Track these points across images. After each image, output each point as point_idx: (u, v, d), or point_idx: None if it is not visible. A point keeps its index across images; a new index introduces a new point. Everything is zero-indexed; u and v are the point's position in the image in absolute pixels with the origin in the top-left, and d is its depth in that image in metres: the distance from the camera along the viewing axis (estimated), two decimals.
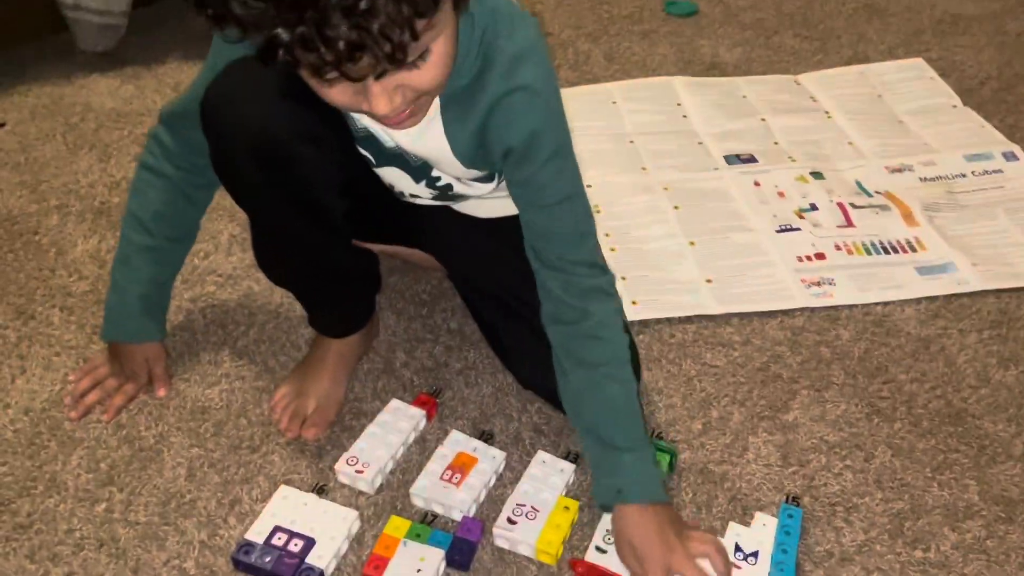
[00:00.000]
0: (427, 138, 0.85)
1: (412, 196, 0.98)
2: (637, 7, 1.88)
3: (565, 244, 0.88)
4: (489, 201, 1.03)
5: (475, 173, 0.91)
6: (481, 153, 0.86)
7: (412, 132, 0.84)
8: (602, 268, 0.90)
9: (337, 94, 0.69)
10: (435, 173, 0.93)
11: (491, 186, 0.95)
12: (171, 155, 0.96)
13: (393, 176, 0.95)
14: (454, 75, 0.76)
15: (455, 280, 1.15)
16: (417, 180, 0.94)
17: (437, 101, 0.82)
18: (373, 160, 0.93)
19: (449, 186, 0.95)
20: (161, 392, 1.05)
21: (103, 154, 1.45)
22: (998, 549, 0.91)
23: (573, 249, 0.88)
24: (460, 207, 1.05)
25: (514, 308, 1.02)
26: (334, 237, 0.95)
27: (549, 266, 0.88)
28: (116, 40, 1.65)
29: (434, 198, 0.98)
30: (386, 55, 0.61)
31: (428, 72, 0.69)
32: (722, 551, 0.85)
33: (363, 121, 0.87)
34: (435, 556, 0.88)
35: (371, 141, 0.90)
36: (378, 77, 0.65)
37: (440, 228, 1.07)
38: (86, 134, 1.49)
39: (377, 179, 0.97)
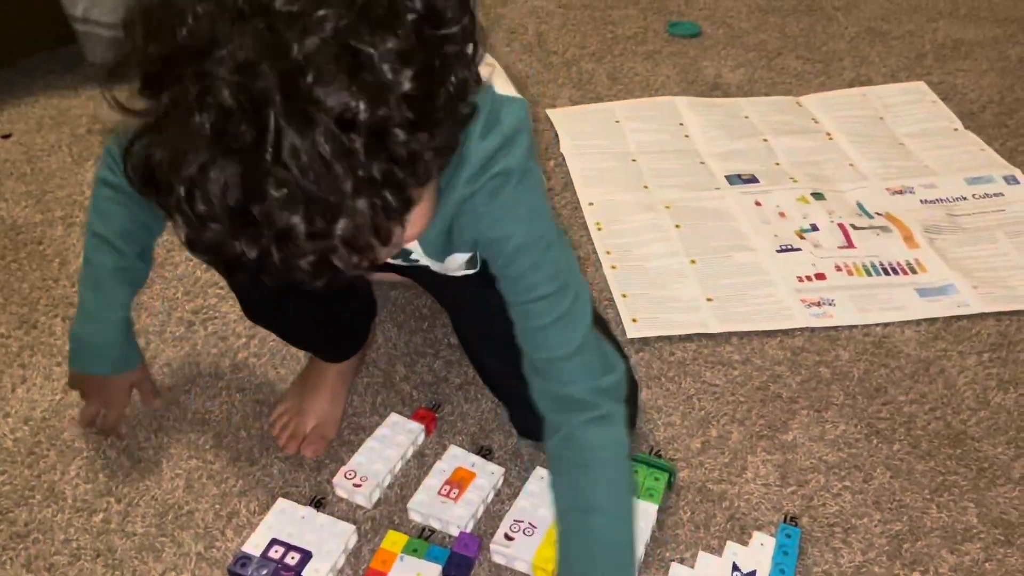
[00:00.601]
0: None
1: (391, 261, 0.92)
2: (641, 28, 1.90)
3: (554, 348, 0.78)
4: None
5: (457, 261, 0.85)
6: (450, 248, 0.81)
7: None
8: (603, 390, 0.79)
9: None
10: (414, 256, 0.88)
11: (474, 271, 0.89)
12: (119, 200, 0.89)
13: None
14: None
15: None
16: (394, 258, 0.88)
17: None
18: None
19: (427, 267, 0.90)
20: (158, 404, 1.04)
21: None
22: (996, 572, 0.91)
23: (565, 358, 0.78)
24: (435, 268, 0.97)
25: (506, 353, 0.92)
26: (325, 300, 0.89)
27: (539, 373, 0.80)
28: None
29: (402, 265, 0.92)
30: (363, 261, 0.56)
31: (408, 231, 0.62)
32: None
33: None
34: (432, 571, 0.87)
35: None
36: None
37: (424, 280, 1.04)
38: (92, 146, 1.50)
39: None
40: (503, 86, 0.76)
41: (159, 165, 0.53)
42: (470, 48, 0.59)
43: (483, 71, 0.71)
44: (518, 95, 0.76)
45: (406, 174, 0.54)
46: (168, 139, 0.52)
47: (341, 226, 0.52)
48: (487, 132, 0.71)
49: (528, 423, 0.97)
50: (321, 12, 0.51)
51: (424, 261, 0.88)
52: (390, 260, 0.89)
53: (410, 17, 0.53)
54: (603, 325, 0.85)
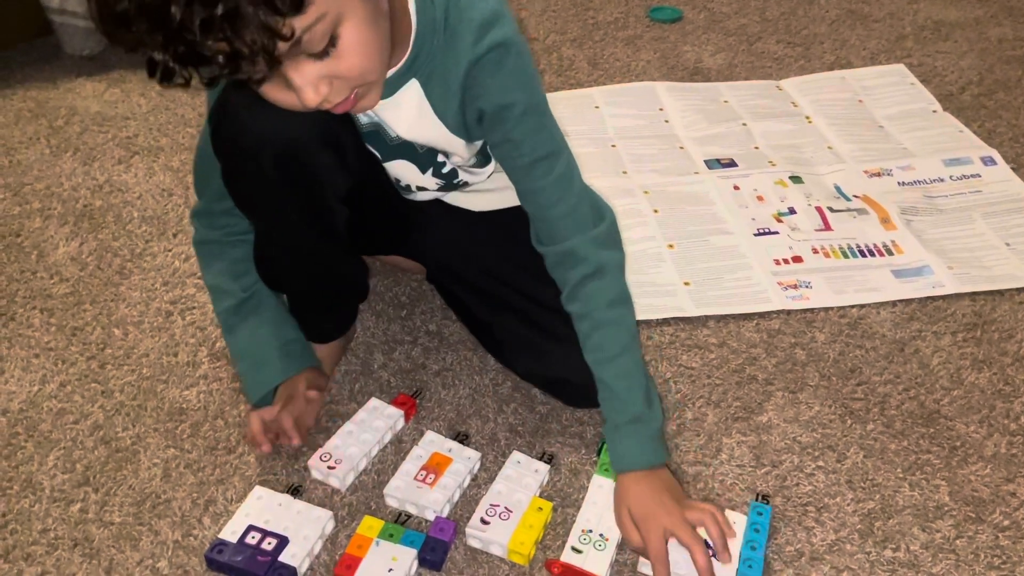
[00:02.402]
0: (422, 122, 0.88)
1: (419, 189, 1.00)
2: (622, 13, 1.89)
3: (554, 204, 0.88)
4: (485, 194, 1.05)
5: (476, 148, 0.93)
6: (472, 121, 0.87)
7: (407, 119, 0.87)
8: (598, 240, 0.90)
9: (271, 92, 0.72)
10: (440, 159, 0.95)
11: (490, 168, 0.99)
12: (214, 222, 1.00)
13: (400, 169, 0.96)
14: (425, 53, 0.81)
15: (440, 282, 1.15)
16: (424, 169, 0.96)
17: (416, 85, 0.84)
18: (380, 156, 0.94)
19: (454, 172, 0.97)
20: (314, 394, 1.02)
21: (87, 157, 1.46)
22: (967, 549, 0.92)
23: (564, 214, 0.88)
24: (458, 200, 1.07)
25: (506, 300, 1.03)
26: (335, 244, 0.96)
27: (541, 237, 0.91)
28: (102, 44, 1.66)
29: (440, 188, 1.00)
30: (264, 57, 0.63)
31: (346, 60, 0.70)
32: (716, 519, 0.86)
33: (367, 115, 0.89)
34: (407, 556, 0.88)
35: (376, 136, 0.91)
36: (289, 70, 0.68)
37: (435, 223, 1.08)
38: (70, 137, 1.50)
39: (378, 183, 0.98)
40: None
41: None
42: None
43: None
44: None
45: None
46: None
47: (222, 9, 0.60)
48: (471, 4, 0.80)
49: (525, 362, 1.05)
50: None
51: (451, 164, 0.95)
52: (418, 187, 0.99)
53: None
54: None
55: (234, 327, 1.01)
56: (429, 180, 0.98)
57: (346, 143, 0.88)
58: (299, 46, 0.67)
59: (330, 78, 0.71)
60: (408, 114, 0.87)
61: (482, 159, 0.97)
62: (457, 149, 0.92)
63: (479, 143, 0.93)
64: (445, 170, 0.97)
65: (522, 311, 1.02)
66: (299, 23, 0.65)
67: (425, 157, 0.94)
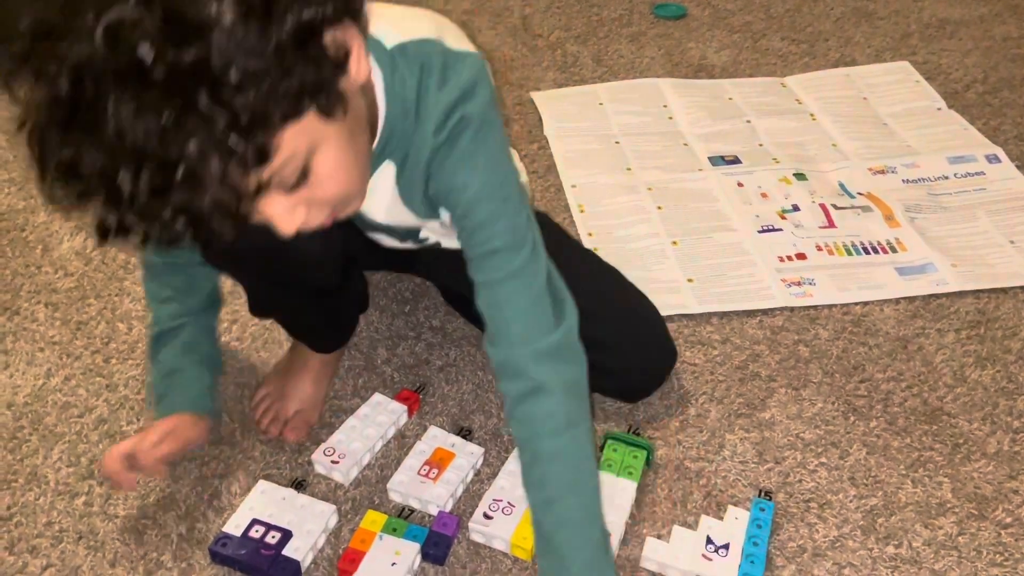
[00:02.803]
0: (397, 208, 0.83)
1: (400, 247, 0.97)
2: (626, 10, 1.89)
3: (503, 306, 0.77)
4: None
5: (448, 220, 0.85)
6: (434, 205, 0.81)
7: (383, 205, 0.82)
8: (545, 353, 0.77)
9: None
10: (422, 235, 0.92)
11: None
12: (164, 267, 0.95)
13: (380, 237, 0.93)
14: (398, 136, 0.74)
15: (449, 296, 1.16)
16: (403, 240, 0.93)
17: (392, 169, 0.79)
18: (360, 228, 0.92)
19: (438, 243, 0.95)
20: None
21: None
22: (969, 546, 0.92)
23: (511, 320, 0.77)
24: (447, 244, 1.01)
25: None
26: (328, 291, 0.95)
27: (489, 338, 0.79)
28: None
29: (420, 248, 0.97)
30: (229, 217, 0.57)
31: (323, 188, 0.63)
32: None
33: None
34: (411, 550, 0.88)
35: (357, 216, 0.86)
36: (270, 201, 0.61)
37: (431, 263, 1.07)
38: None
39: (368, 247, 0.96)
40: (457, 42, 0.76)
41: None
42: None
43: (426, 27, 0.75)
44: (473, 50, 0.76)
45: (247, 118, 0.53)
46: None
47: (181, 173, 0.52)
48: (443, 84, 0.72)
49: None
50: None
51: (433, 237, 0.91)
52: (401, 245, 0.94)
53: None
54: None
55: (156, 352, 0.95)
56: (409, 245, 0.94)
57: (330, 232, 0.76)
58: (268, 187, 0.59)
59: (307, 202, 0.63)
60: (383, 200, 0.81)
61: None
62: (434, 229, 0.89)
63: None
64: (429, 242, 0.93)
65: None
66: (267, 171, 0.57)
67: (404, 232, 0.90)
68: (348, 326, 1.08)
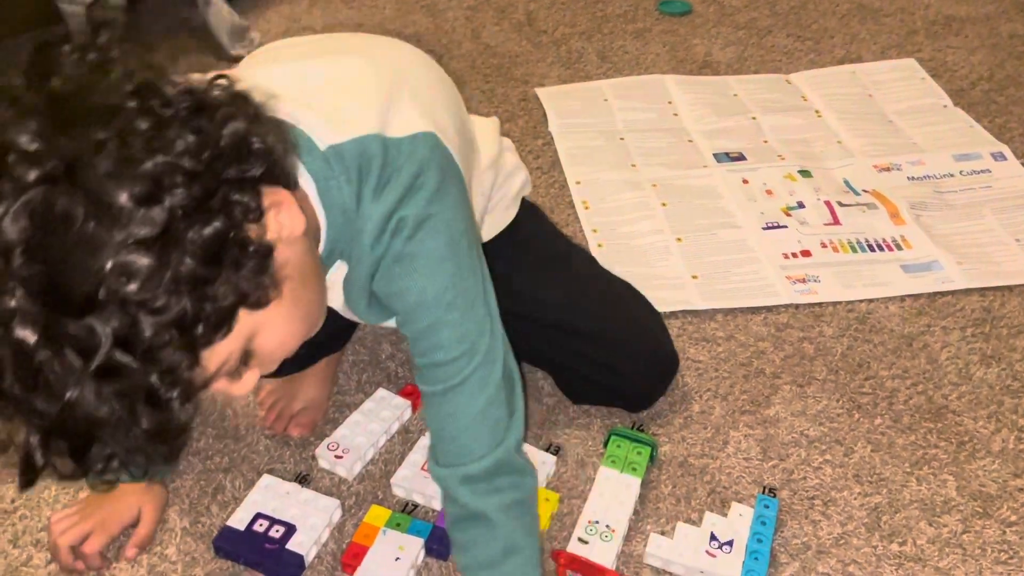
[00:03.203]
0: (347, 311, 0.78)
1: None
2: (631, 6, 1.89)
3: (447, 418, 0.72)
4: None
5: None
6: (388, 312, 0.75)
7: (338, 304, 0.76)
8: (470, 479, 0.72)
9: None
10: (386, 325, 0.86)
11: None
12: None
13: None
14: (344, 240, 0.69)
15: None
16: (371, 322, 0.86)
17: (344, 268, 0.73)
18: None
19: None
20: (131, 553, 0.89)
21: None
22: (974, 544, 0.91)
23: (449, 439, 0.72)
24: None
25: (536, 335, 0.95)
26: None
27: (434, 450, 0.75)
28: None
29: None
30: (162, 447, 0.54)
31: (270, 358, 0.60)
32: None
33: None
34: (414, 545, 0.88)
35: None
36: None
37: None
38: None
39: None
40: (405, 116, 0.69)
41: None
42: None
43: (367, 112, 0.67)
44: (421, 128, 0.68)
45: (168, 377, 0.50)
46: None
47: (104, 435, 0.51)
48: (381, 191, 0.66)
49: (573, 387, 1.01)
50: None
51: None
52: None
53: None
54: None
55: None
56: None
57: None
58: (207, 388, 0.56)
59: (258, 368, 0.60)
60: (337, 299, 0.76)
61: None
62: (395, 325, 0.78)
63: None
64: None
65: (556, 343, 0.95)
66: (200, 384, 0.54)
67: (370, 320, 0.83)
68: (349, 330, 1.07)
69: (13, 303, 0.48)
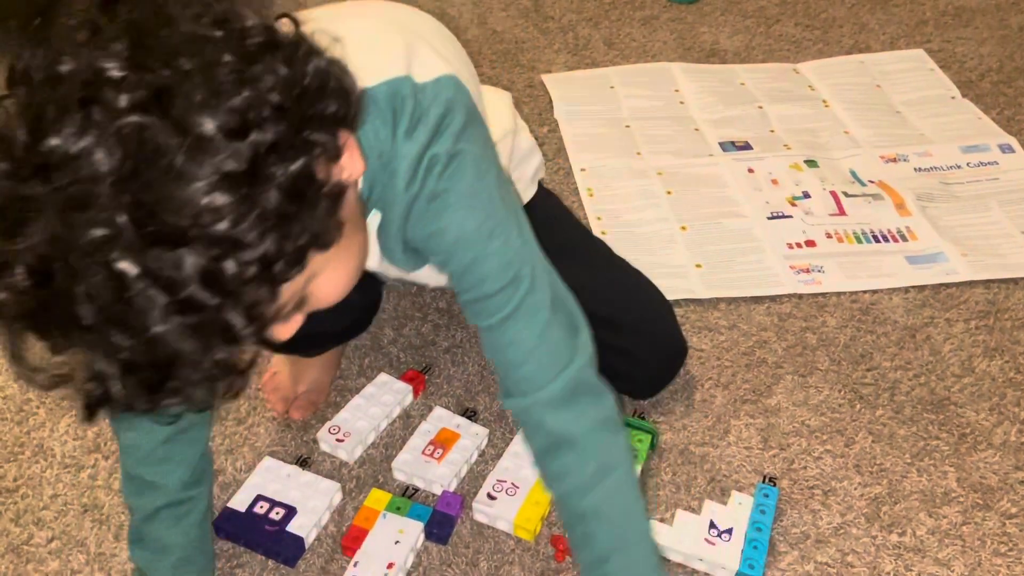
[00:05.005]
0: (384, 263, 0.78)
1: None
2: None
3: (506, 348, 0.70)
4: None
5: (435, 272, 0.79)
6: (420, 259, 0.75)
7: (373, 258, 0.75)
8: (553, 400, 0.70)
9: None
10: (411, 278, 0.87)
11: None
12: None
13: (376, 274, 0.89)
14: (380, 186, 0.69)
15: None
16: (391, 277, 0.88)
17: (378, 218, 0.72)
18: None
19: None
20: None
21: None
22: (974, 535, 0.91)
23: (516, 365, 0.70)
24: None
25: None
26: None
27: (502, 386, 0.73)
28: None
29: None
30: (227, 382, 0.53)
31: (321, 302, 0.60)
32: None
33: None
34: (414, 529, 0.89)
35: None
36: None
37: None
38: None
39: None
40: (426, 62, 0.69)
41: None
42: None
43: (393, 57, 0.68)
44: (443, 71, 0.69)
45: (248, 312, 0.50)
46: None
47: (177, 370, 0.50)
48: (412, 130, 0.67)
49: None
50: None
51: (423, 280, 0.87)
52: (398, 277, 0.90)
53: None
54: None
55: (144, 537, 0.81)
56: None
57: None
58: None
59: (305, 312, 0.60)
60: (373, 252, 0.74)
61: None
62: (428, 279, 0.82)
63: None
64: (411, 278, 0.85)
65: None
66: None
67: (397, 282, 0.85)
68: (361, 327, 1.08)
69: (109, 231, 0.46)
